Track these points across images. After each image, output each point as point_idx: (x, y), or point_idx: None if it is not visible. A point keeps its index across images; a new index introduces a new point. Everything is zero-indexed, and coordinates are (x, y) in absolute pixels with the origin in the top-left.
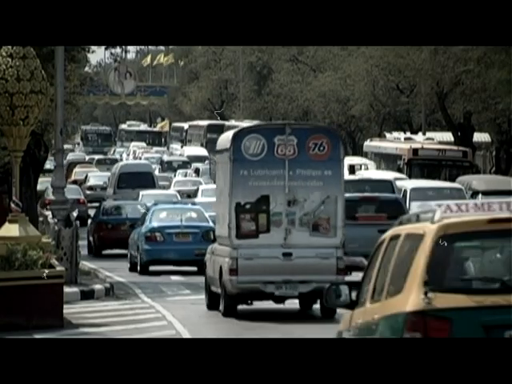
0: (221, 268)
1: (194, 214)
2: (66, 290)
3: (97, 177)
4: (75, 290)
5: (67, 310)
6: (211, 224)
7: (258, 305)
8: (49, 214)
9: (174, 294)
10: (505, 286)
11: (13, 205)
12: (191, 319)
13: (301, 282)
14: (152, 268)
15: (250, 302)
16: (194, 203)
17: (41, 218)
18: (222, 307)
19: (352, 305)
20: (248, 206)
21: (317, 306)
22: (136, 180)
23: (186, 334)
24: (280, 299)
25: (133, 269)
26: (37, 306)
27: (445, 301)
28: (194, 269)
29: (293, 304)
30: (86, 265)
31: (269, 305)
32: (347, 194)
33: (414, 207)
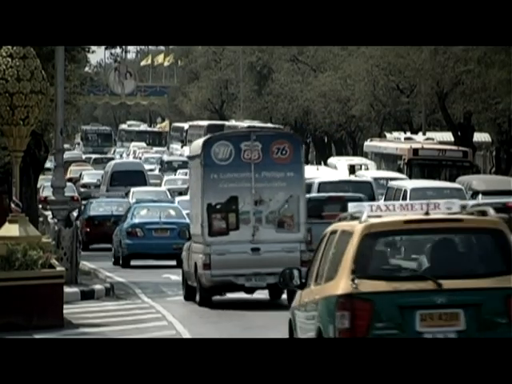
0: (196, 263)
1: (172, 212)
2: (66, 290)
3: (91, 175)
4: (75, 290)
5: (67, 310)
6: (188, 221)
7: (231, 296)
8: (49, 214)
9: (174, 294)
10: (417, 275)
11: (13, 205)
12: (191, 319)
13: (268, 274)
14: (134, 262)
15: (222, 293)
16: (172, 201)
17: (41, 218)
18: (197, 298)
19: (301, 286)
20: (219, 207)
21: (285, 295)
22: (128, 178)
23: (186, 334)
24: (250, 290)
25: (116, 262)
26: (37, 306)
27: (368, 286)
28: (173, 262)
29: (263, 294)
30: (86, 265)
31: (240, 295)
32: (314, 194)
33: (350, 207)
